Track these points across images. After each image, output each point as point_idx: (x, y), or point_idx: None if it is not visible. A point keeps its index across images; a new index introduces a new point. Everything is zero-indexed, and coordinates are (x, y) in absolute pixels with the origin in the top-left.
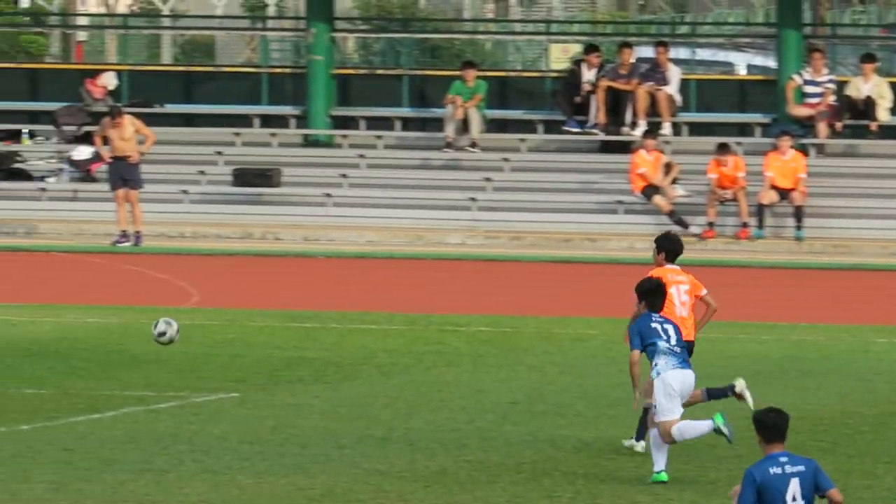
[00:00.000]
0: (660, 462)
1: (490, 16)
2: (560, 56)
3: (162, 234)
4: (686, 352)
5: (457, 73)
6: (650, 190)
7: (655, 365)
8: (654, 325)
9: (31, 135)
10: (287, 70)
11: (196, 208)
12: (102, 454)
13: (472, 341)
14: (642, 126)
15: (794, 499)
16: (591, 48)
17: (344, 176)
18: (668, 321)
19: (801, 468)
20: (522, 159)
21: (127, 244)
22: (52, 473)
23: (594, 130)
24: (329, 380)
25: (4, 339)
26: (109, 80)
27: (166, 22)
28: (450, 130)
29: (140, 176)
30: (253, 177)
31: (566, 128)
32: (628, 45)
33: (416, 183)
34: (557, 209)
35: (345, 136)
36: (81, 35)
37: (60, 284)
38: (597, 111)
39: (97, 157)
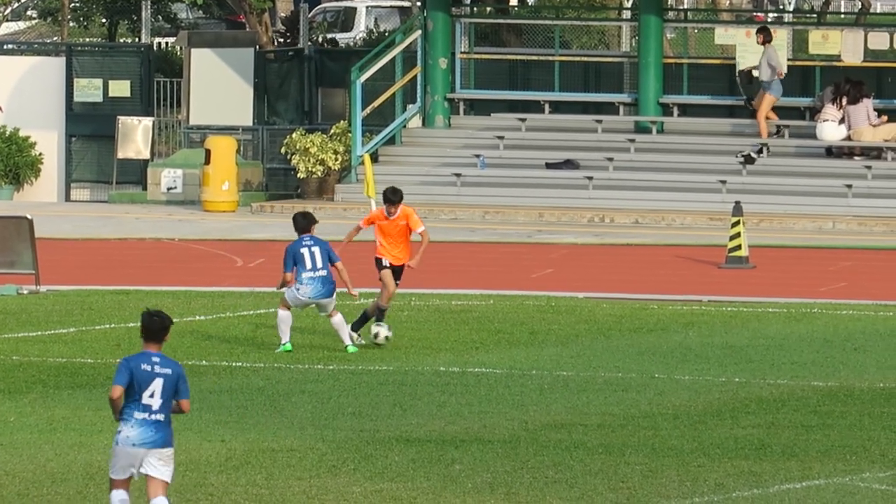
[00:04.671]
0: (284, 336)
1: None
2: None
3: None
4: (328, 277)
5: None
6: None
7: (298, 288)
8: (302, 249)
9: None
10: None
11: None
12: None
13: None
14: None
15: (152, 395)
16: None
17: None
18: (316, 243)
19: (168, 371)
20: None
21: None
22: None
23: None
24: None
25: None
26: None
27: None
28: None
29: None
30: None
31: None
32: None
33: None
34: None
35: None
36: None
37: None
38: None
39: None
